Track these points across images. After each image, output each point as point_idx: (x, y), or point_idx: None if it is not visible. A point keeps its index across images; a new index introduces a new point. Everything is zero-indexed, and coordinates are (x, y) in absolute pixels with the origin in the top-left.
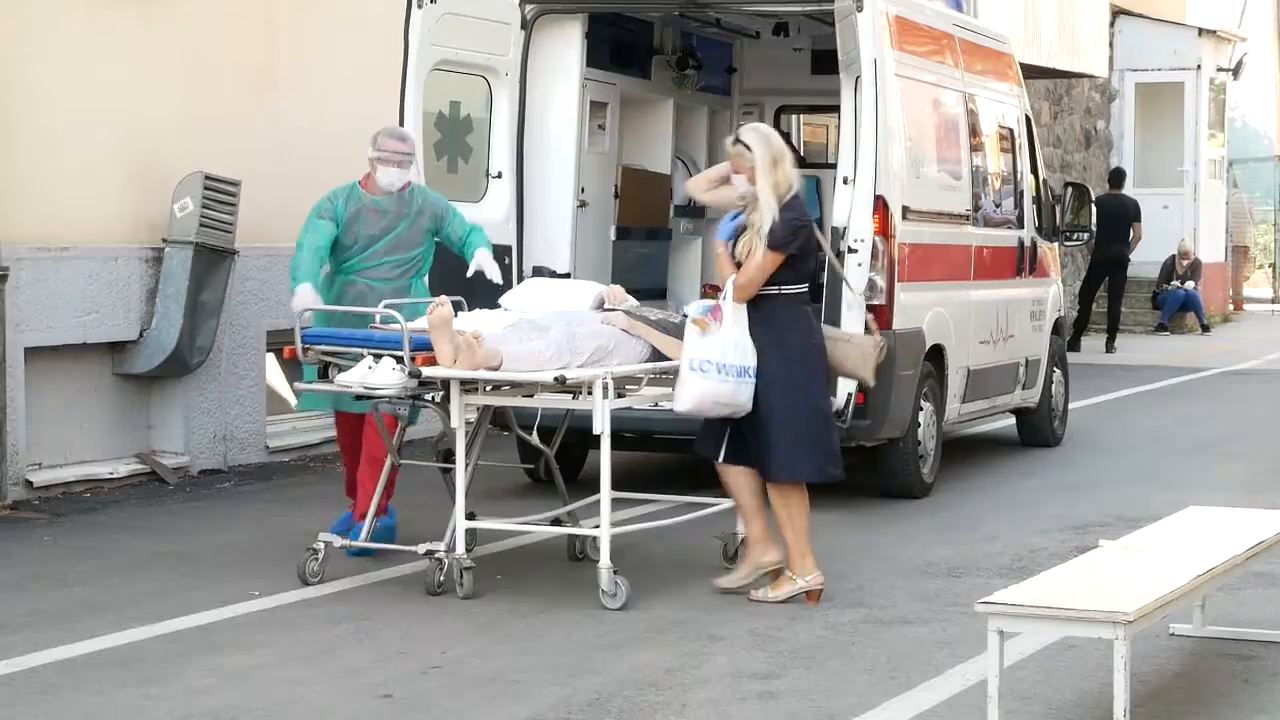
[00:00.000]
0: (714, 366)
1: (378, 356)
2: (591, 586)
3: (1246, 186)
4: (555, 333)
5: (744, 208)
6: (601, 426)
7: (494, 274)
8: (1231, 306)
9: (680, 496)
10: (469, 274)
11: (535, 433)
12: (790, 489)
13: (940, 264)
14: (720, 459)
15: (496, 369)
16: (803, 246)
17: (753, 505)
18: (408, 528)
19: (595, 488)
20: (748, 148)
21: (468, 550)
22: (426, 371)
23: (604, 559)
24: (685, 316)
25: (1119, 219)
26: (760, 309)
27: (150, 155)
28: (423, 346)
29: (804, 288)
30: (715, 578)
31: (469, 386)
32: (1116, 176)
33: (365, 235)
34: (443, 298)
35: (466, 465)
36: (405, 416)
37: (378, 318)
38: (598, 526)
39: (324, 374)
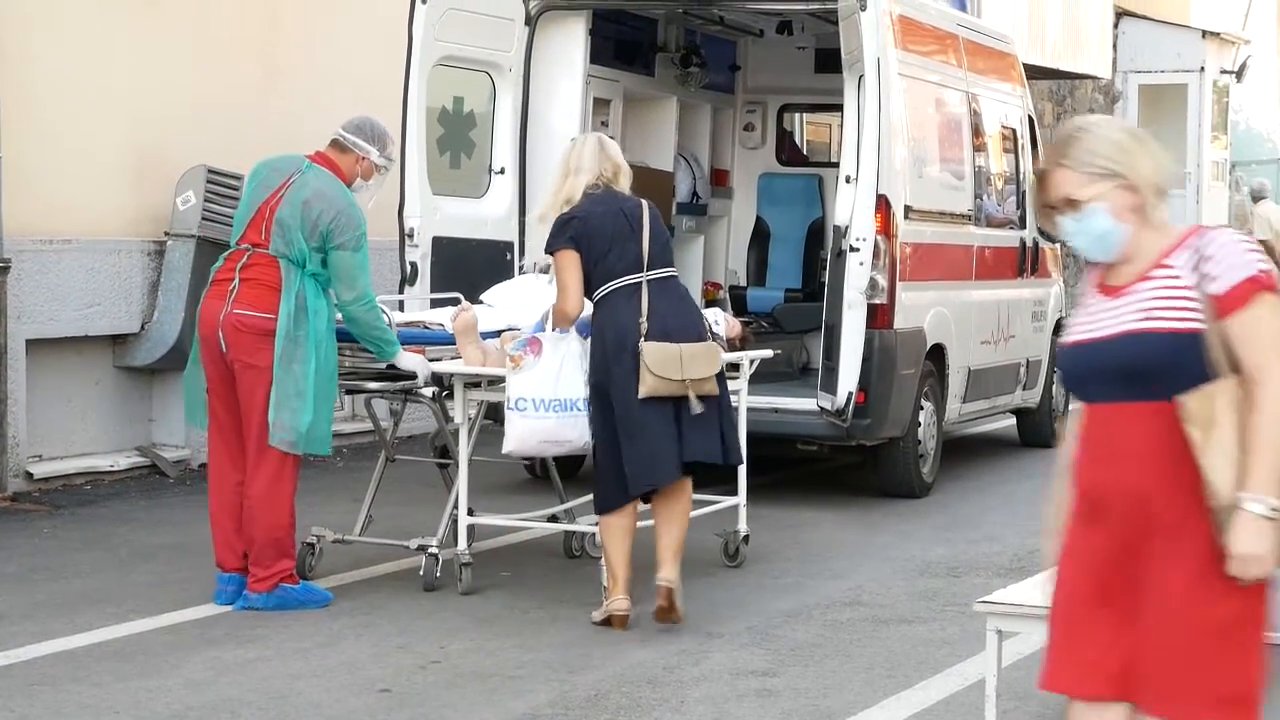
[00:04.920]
0: (531, 403)
1: None
2: (589, 583)
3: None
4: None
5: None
6: None
7: None
8: None
9: None
10: None
11: None
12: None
13: (942, 263)
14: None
15: None
16: (579, 235)
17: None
18: (402, 522)
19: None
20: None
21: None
22: (437, 366)
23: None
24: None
25: None
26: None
27: (153, 148)
28: (409, 341)
29: (606, 290)
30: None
31: (472, 382)
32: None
33: None
34: (465, 304)
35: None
36: (398, 412)
37: None
38: (597, 523)
39: None
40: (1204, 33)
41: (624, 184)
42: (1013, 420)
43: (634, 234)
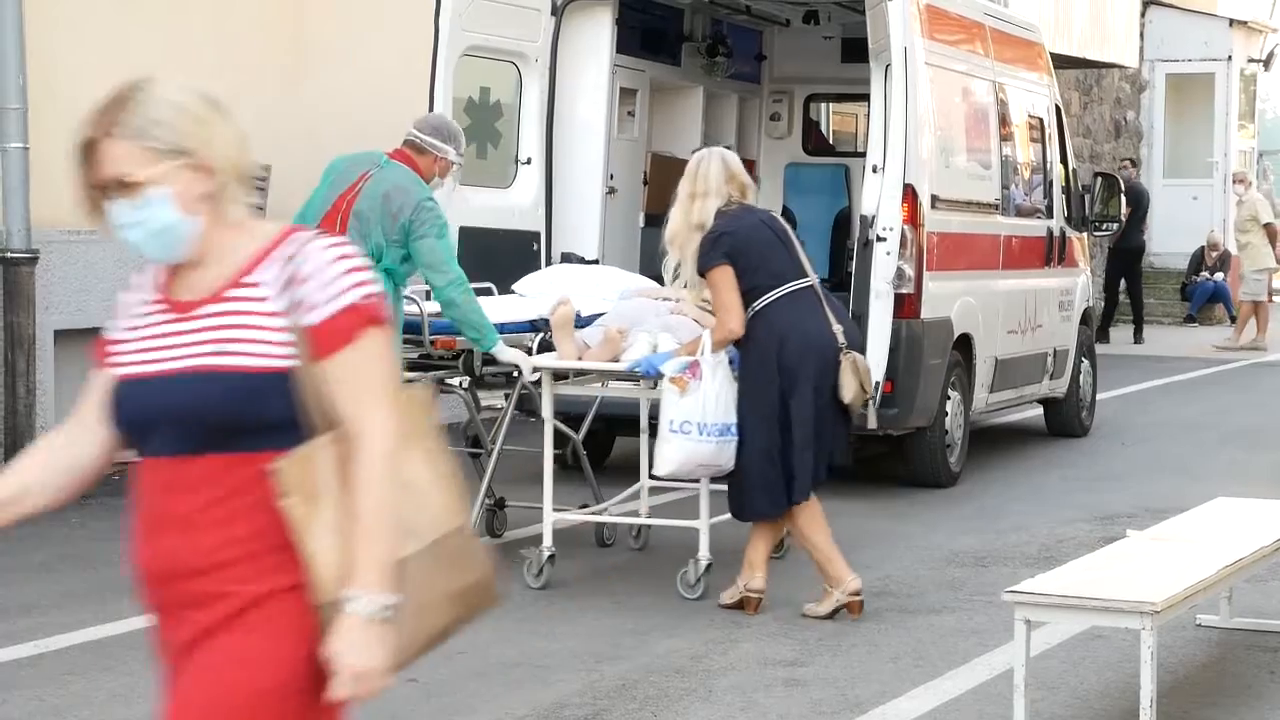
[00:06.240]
0: (695, 427)
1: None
2: (619, 572)
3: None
4: (654, 324)
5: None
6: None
7: None
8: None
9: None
10: None
11: (573, 420)
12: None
13: (969, 253)
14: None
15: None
16: (733, 250)
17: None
18: None
19: (617, 474)
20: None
21: (495, 536)
22: (536, 360)
23: (703, 550)
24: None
25: (1137, 206)
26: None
27: None
28: (442, 330)
29: (769, 298)
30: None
31: (560, 375)
32: (1133, 163)
33: None
34: (564, 297)
35: (491, 451)
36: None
37: None
38: (636, 514)
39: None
40: (1231, 21)
41: (751, 199)
42: (1040, 410)
43: (781, 242)
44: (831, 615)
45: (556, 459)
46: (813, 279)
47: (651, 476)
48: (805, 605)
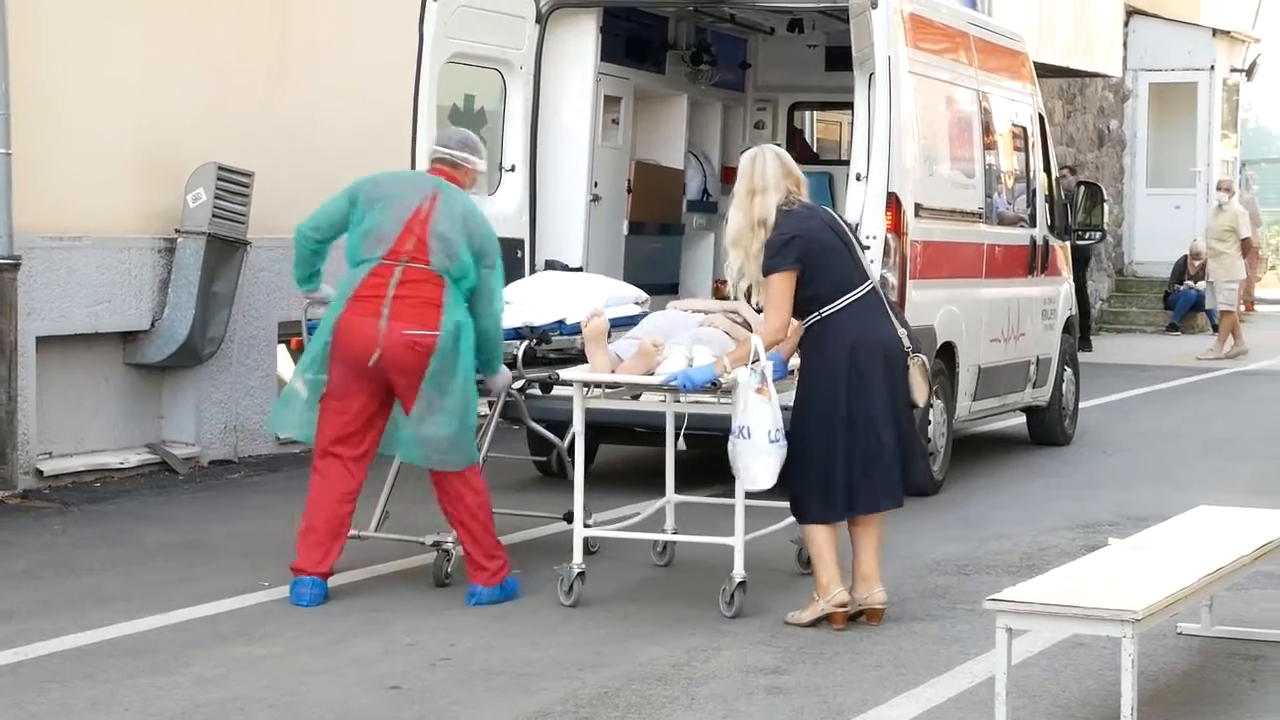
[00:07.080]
0: (780, 433)
1: None
2: (602, 580)
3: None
4: (685, 337)
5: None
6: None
7: None
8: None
9: (754, 501)
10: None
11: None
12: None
13: (952, 262)
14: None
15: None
16: (804, 254)
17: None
18: (417, 519)
19: (601, 482)
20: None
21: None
22: (569, 373)
23: (738, 568)
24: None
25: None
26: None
27: (164, 145)
28: None
29: (838, 305)
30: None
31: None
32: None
33: None
34: (598, 309)
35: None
36: None
37: None
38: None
39: None
40: (1214, 31)
41: (805, 194)
42: (1023, 418)
43: (845, 245)
44: (814, 624)
45: (540, 467)
46: (874, 282)
47: (749, 494)
48: (788, 613)
